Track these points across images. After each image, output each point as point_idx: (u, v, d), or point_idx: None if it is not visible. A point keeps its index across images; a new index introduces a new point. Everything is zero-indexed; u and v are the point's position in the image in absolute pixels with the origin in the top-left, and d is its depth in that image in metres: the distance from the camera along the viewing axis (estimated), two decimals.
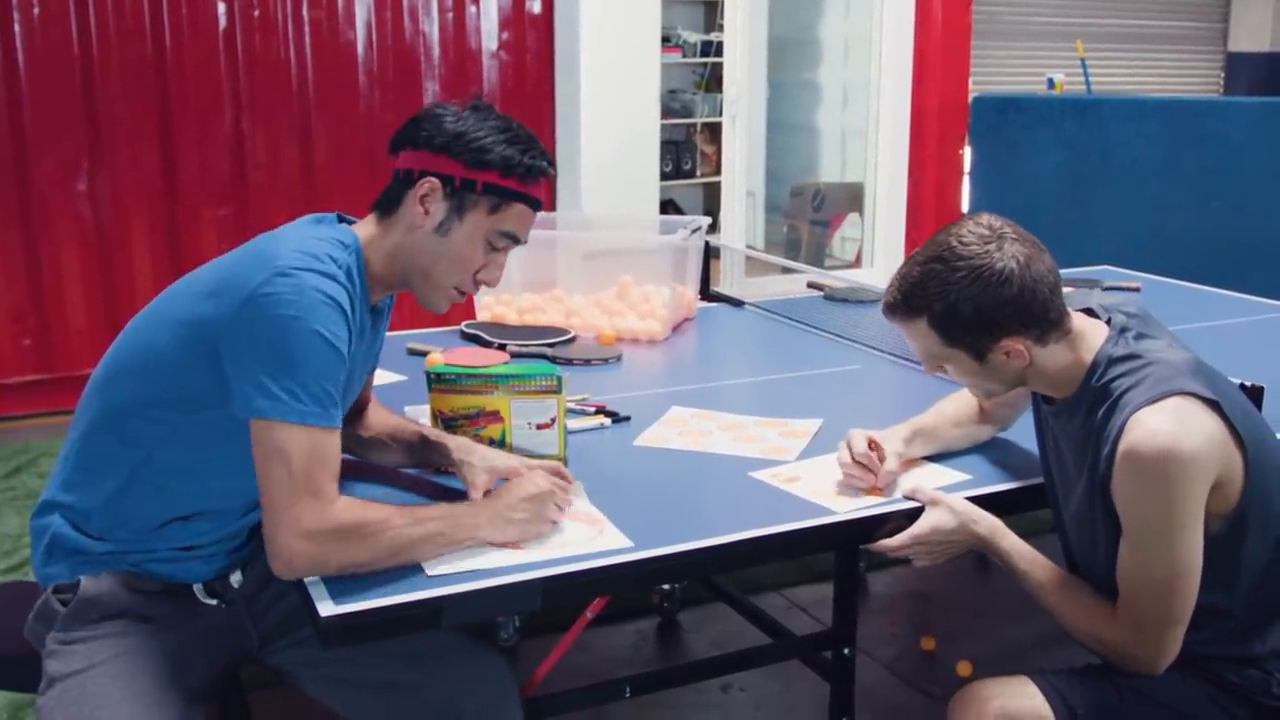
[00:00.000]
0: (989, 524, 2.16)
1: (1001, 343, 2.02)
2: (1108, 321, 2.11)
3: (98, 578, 2.07)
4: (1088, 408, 2.05)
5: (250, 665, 2.29)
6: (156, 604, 2.10)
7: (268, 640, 2.23)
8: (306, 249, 1.96)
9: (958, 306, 2.00)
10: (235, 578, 2.19)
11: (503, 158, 2.07)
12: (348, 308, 1.95)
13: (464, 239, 2.09)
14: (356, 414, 2.41)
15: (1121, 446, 1.92)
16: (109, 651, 2.02)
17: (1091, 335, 2.08)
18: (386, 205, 2.12)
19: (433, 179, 2.07)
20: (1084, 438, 2.05)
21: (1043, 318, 2.02)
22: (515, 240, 2.14)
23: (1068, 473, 2.12)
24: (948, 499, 2.17)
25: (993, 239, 2.01)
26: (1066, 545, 2.21)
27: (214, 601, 2.15)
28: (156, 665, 2.03)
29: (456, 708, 2.12)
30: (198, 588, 2.14)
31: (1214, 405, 1.93)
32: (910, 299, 2.06)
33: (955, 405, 2.50)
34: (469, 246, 2.10)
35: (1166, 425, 1.89)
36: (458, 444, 2.27)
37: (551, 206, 6.46)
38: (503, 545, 1.98)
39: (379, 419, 2.42)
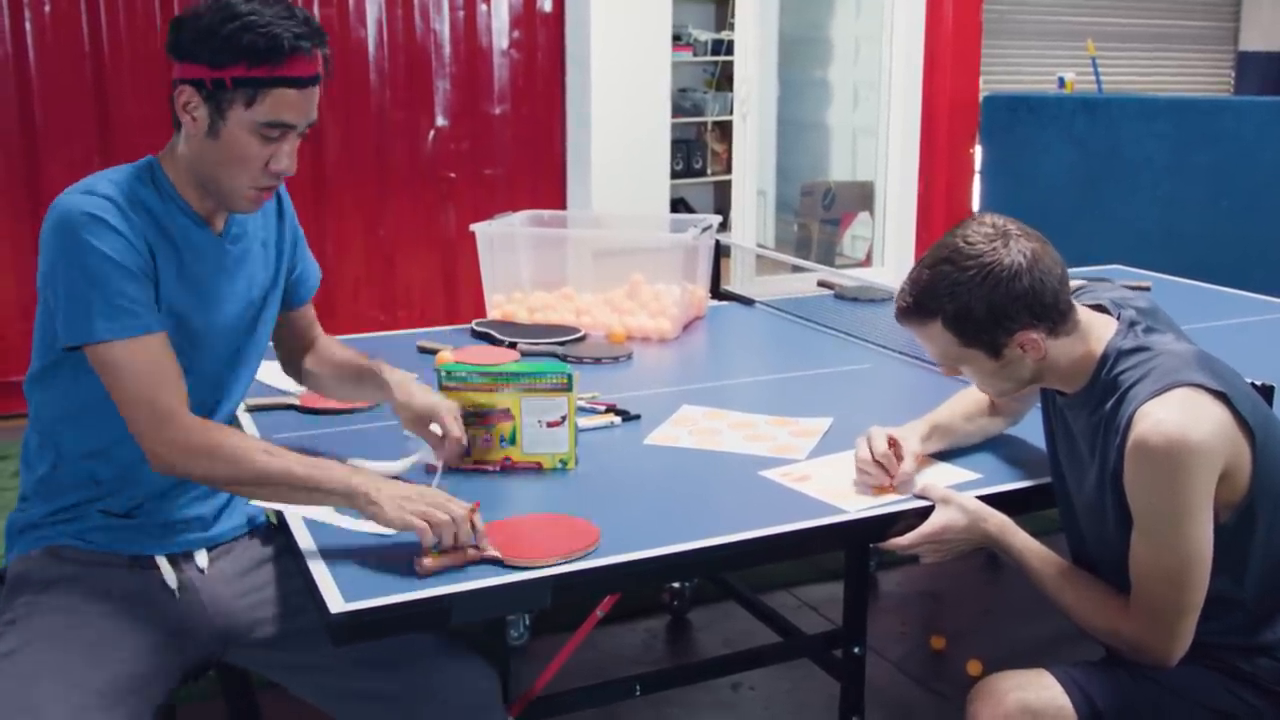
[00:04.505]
0: (999, 522, 2.16)
1: (1016, 336, 2.03)
2: (1117, 316, 2.12)
3: (27, 555, 2.11)
4: (1098, 400, 2.06)
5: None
6: (93, 575, 2.09)
7: (235, 639, 2.20)
8: (89, 180, 2.03)
9: (970, 305, 2.01)
10: (201, 558, 2.21)
11: (243, 46, 1.97)
12: (114, 216, 1.98)
13: (234, 139, 2.03)
14: (304, 350, 2.49)
15: (1130, 439, 1.93)
16: (41, 629, 2.00)
17: (1102, 329, 2.10)
18: (174, 118, 2.09)
19: (185, 86, 2.03)
20: (1095, 429, 2.06)
21: (1054, 308, 2.03)
22: (288, 127, 2.06)
23: (1081, 462, 2.13)
24: (958, 497, 2.17)
25: (998, 236, 2.02)
26: (1076, 537, 2.22)
27: (173, 585, 2.14)
28: (90, 644, 1.99)
29: (435, 713, 2.08)
30: (162, 560, 2.15)
31: (1220, 396, 1.95)
32: (923, 303, 2.07)
33: (966, 400, 2.50)
34: (241, 145, 2.03)
35: (1173, 416, 1.90)
36: (396, 382, 2.34)
37: (562, 204, 6.48)
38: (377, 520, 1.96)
39: (332, 353, 2.50)
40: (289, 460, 2.00)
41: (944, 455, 2.43)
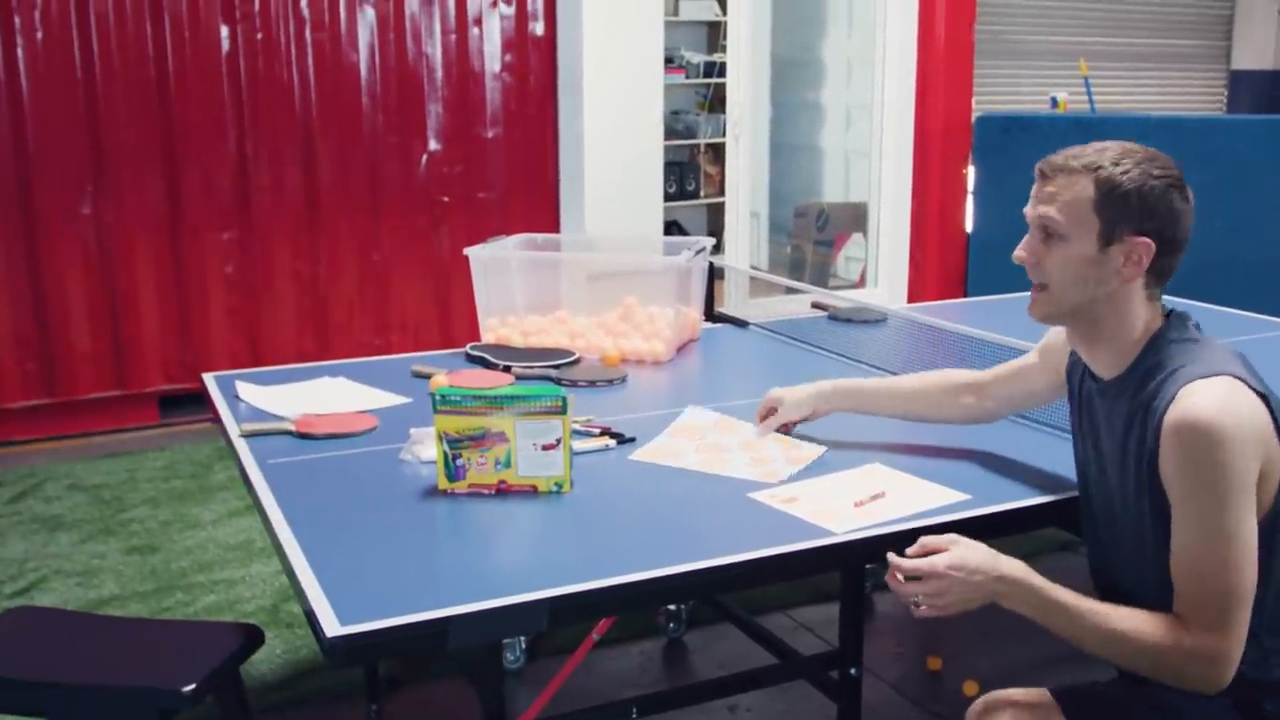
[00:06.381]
0: (1017, 563, 2.00)
1: (1136, 239, 2.01)
2: (1167, 315, 2.10)
3: None
4: (1137, 385, 2.03)
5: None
6: None
7: None
8: None
9: (1129, 178, 2.01)
10: None
11: None
12: None
13: None
14: None
15: (1169, 416, 1.90)
16: None
17: (1155, 317, 2.08)
18: None
19: None
20: (1131, 414, 2.02)
21: (1172, 254, 2.05)
22: None
23: (1111, 457, 2.08)
24: (968, 540, 2.03)
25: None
26: (1096, 543, 2.17)
27: None
28: None
29: None
30: None
31: (1263, 398, 1.93)
32: (1093, 156, 2.04)
33: (933, 376, 2.60)
34: None
35: (1217, 395, 1.88)
36: None
37: (555, 228, 6.48)
38: None
39: None
40: None
41: (934, 475, 2.42)
